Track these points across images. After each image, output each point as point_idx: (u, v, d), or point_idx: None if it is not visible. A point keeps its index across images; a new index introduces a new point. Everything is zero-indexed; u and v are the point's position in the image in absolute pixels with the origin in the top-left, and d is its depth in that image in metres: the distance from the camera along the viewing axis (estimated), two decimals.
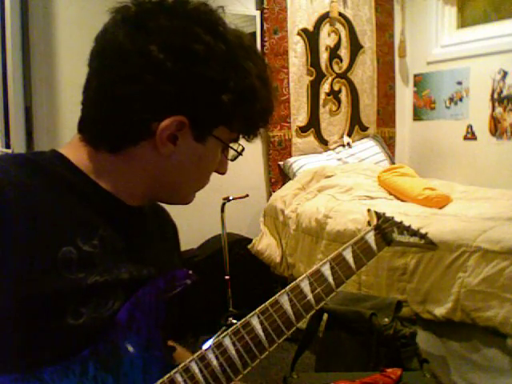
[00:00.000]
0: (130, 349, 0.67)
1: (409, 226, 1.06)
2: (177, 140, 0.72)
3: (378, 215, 1.00)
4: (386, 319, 1.89)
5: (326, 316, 2.01)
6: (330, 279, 0.85)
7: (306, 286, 0.81)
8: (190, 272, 0.74)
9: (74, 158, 0.73)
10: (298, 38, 3.49)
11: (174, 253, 0.90)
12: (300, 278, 0.82)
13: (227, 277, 2.80)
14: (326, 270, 0.85)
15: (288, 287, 0.80)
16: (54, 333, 0.63)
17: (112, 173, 0.73)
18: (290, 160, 3.46)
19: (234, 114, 0.73)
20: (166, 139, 0.71)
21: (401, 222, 1.04)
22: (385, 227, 0.98)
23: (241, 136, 0.80)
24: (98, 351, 0.65)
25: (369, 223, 1.00)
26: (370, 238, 0.95)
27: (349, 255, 0.89)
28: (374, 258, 0.95)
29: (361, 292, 2.46)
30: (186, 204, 0.84)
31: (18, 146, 2.48)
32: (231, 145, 0.78)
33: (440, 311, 2.15)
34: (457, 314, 2.10)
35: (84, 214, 0.70)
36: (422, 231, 1.09)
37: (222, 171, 0.83)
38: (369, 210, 1.02)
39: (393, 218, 1.02)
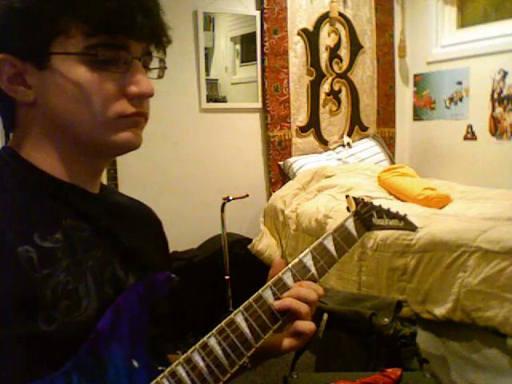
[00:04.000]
0: (114, 358, 0.65)
1: (388, 209, 1.04)
2: (22, 80, 0.68)
3: (357, 201, 0.99)
4: (386, 319, 1.89)
5: (325, 316, 2.01)
6: (313, 269, 0.83)
7: (288, 278, 0.80)
8: (173, 275, 0.71)
9: (21, 150, 0.71)
10: (298, 38, 3.50)
11: (157, 249, 0.86)
12: (282, 271, 0.81)
13: (227, 277, 2.80)
14: (308, 261, 0.84)
15: (271, 281, 0.79)
16: (29, 342, 0.61)
17: (40, 152, 0.71)
18: (290, 160, 3.46)
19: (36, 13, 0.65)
20: (8, 83, 0.68)
21: (379, 206, 1.02)
22: (364, 212, 0.97)
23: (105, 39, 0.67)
24: (81, 363, 0.63)
25: (348, 209, 0.99)
26: (350, 224, 0.93)
27: (330, 244, 0.88)
28: (355, 244, 0.93)
29: (361, 292, 2.46)
30: (122, 144, 0.71)
31: None
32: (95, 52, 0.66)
33: (440, 311, 2.15)
34: (457, 314, 2.10)
35: (42, 207, 0.68)
36: (401, 213, 1.08)
37: (135, 92, 0.69)
38: (347, 196, 1.00)
39: (371, 202, 1.01)
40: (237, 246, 3.06)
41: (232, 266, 2.83)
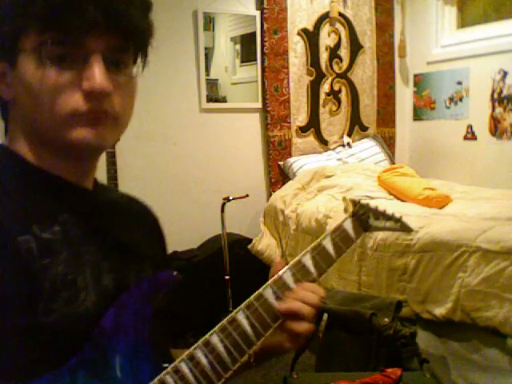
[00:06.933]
0: (118, 354, 0.66)
1: (384, 211, 1.04)
2: (5, 79, 0.70)
3: (354, 202, 1.00)
4: (386, 319, 1.89)
5: (325, 316, 2.01)
6: (312, 269, 0.85)
7: (288, 278, 0.82)
8: (175, 273, 0.72)
9: (13, 146, 0.72)
10: (298, 38, 3.49)
11: (153, 245, 0.87)
12: (283, 270, 0.82)
13: (227, 277, 2.80)
14: (308, 260, 0.85)
15: (271, 280, 0.80)
16: (29, 334, 0.61)
17: (26, 147, 0.72)
18: (290, 160, 3.46)
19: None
20: None
21: (376, 208, 1.03)
22: (361, 214, 0.98)
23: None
24: (85, 359, 0.64)
25: (345, 211, 1.00)
26: (348, 225, 0.95)
27: (328, 244, 0.89)
28: (352, 245, 0.95)
29: (361, 292, 2.46)
30: (79, 142, 0.68)
31: None
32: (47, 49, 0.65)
33: (440, 311, 2.15)
34: (457, 314, 2.10)
35: (39, 201, 0.69)
36: (397, 215, 1.09)
37: (86, 87, 0.66)
38: (344, 198, 1.02)
39: (368, 204, 1.02)
40: (237, 246, 3.06)
41: (232, 266, 2.83)
